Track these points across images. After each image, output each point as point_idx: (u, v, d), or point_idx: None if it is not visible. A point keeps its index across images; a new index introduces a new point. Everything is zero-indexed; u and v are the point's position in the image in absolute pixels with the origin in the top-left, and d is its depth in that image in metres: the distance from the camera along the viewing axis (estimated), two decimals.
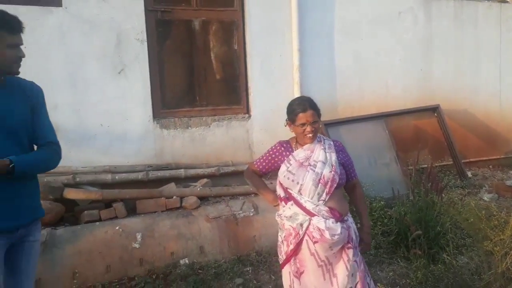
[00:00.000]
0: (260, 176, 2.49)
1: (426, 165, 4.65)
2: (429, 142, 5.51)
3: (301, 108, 2.24)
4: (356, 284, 2.23)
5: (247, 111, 4.82)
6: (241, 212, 3.89)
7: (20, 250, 2.08)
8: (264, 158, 2.40)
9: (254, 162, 2.46)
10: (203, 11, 4.53)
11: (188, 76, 4.63)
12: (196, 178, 4.39)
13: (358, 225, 2.43)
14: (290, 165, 2.25)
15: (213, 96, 4.73)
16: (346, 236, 2.22)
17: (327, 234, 2.14)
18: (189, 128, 4.52)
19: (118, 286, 3.18)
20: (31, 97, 2.09)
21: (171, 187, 4.10)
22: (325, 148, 2.27)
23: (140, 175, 4.10)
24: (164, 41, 4.45)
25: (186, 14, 4.48)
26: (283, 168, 2.27)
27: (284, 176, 2.25)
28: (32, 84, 2.12)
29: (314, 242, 2.19)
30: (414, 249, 3.38)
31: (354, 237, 2.27)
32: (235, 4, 4.65)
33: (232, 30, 4.70)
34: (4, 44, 1.87)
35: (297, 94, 4.72)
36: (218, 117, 4.65)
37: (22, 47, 1.96)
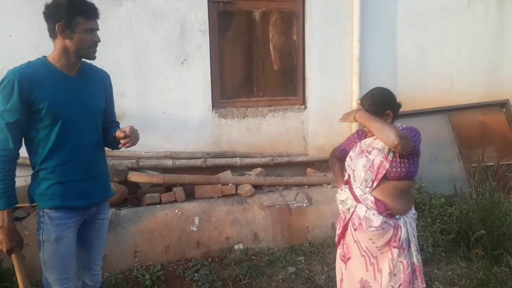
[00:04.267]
0: (340, 160, 2.54)
1: (491, 163, 4.41)
2: (496, 139, 5.19)
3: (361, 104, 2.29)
4: (399, 286, 2.19)
5: (303, 102, 4.81)
6: (294, 202, 3.92)
7: (92, 227, 2.25)
8: (343, 144, 2.53)
9: (337, 147, 2.59)
10: (263, 2, 4.55)
11: (247, 66, 4.70)
12: (250, 167, 4.47)
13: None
14: (354, 151, 2.33)
15: (270, 87, 4.76)
16: (390, 234, 2.16)
17: (364, 224, 2.16)
18: (246, 118, 4.60)
19: (176, 267, 3.33)
20: (107, 86, 2.26)
21: (227, 174, 4.21)
22: None
23: (198, 162, 4.24)
24: (224, 32, 4.54)
25: (247, 5, 4.53)
26: (349, 154, 2.36)
27: (346, 161, 2.35)
28: (104, 72, 2.28)
29: (354, 230, 2.23)
30: (476, 249, 3.24)
31: (403, 238, 2.19)
32: None
33: (292, 21, 4.69)
34: (81, 28, 1.97)
35: (355, 86, 4.65)
36: (274, 107, 4.69)
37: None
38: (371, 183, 2.18)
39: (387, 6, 4.85)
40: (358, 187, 2.24)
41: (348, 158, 2.34)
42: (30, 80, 1.92)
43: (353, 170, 2.26)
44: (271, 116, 4.66)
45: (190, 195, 4.03)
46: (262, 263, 3.38)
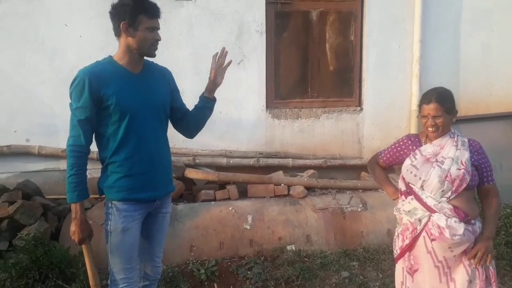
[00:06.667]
0: (383, 168, 2.46)
1: None
2: None
3: (426, 100, 2.15)
4: None
5: (359, 104, 4.72)
6: (348, 206, 3.85)
7: (154, 220, 2.32)
8: (389, 150, 2.38)
9: (379, 153, 2.45)
10: (321, 2, 4.51)
11: (302, 67, 4.68)
12: (303, 168, 4.45)
13: None
14: (415, 159, 2.19)
15: (325, 87, 4.71)
16: (470, 240, 2.09)
17: (447, 233, 2.06)
18: (299, 119, 4.57)
19: (229, 263, 3.38)
20: (170, 81, 2.35)
21: (279, 174, 4.21)
22: (457, 145, 2.15)
23: (251, 161, 4.29)
24: (281, 33, 4.54)
25: (305, 5, 4.51)
26: (407, 162, 2.22)
27: (407, 170, 2.21)
28: (165, 68, 2.36)
29: (432, 240, 2.11)
30: None
31: None
32: None
33: (350, 21, 4.61)
34: (143, 27, 2.05)
35: (415, 88, 4.49)
36: (328, 109, 4.63)
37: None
38: (449, 194, 2.10)
39: (450, 6, 4.66)
40: (430, 196, 2.13)
41: (411, 167, 2.19)
42: (99, 78, 2.02)
43: (423, 180, 2.14)
44: (325, 117, 4.61)
45: (242, 194, 4.08)
46: (315, 265, 3.35)
